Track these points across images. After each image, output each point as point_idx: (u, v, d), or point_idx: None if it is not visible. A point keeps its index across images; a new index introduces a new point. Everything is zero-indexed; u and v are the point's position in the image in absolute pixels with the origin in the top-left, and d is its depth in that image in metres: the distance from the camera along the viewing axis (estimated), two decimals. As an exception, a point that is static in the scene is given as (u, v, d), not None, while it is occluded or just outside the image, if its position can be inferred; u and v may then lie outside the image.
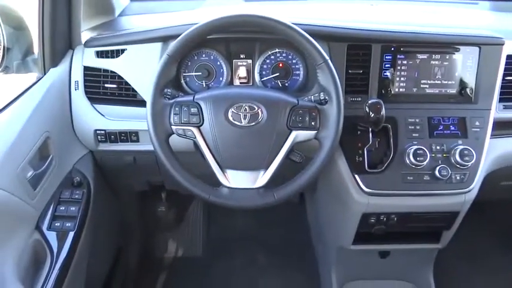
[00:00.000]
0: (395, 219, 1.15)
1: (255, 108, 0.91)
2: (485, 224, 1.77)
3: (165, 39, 1.08)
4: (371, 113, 0.99)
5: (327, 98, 0.94)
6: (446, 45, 1.09)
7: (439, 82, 1.11)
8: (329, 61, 0.93)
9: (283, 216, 1.74)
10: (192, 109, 0.92)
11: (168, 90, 0.96)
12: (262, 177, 0.92)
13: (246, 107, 0.91)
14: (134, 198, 1.55)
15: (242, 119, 0.91)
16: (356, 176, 1.08)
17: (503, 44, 1.09)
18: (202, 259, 1.65)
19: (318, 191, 1.43)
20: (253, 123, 0.91)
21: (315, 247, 1.63)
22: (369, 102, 1.00)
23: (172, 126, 0.92)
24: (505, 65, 1.13)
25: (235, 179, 0.92)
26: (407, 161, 1.06)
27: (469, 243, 1.61)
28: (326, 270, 1.44)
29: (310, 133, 0.93)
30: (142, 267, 1.59)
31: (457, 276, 1.56)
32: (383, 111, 0.99)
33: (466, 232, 1.71)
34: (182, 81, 1.13)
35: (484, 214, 1.79)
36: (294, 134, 0.92)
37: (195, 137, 0.92)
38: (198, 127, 0.92)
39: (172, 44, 0.93)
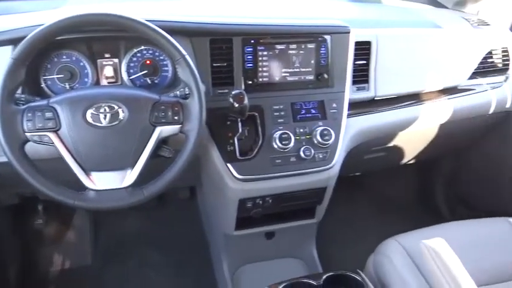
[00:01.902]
0: (270, 201, 1.22)
1: (114, 108, 0.91)
2: (363, 193, 1.96)
3: (14, 42, 1.01)
4: (235, 103, 1.04)
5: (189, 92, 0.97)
6: (300, 36, 1.18)
7: (297, 70, 1.20)
8: (186, 56, 0.95)
9: (175, 212, 1.75)
10: (46, 114, 0.88)
11: (22, 95, 0.91)
12: (130, 176, 0.92)
13: (105, 107, 0.90)
14: (3, 213, 1.44)
15: (102, 120, 0.90)
16: (228, 164, 1.12)
17: (349, 32, 1.21)
18: (92, 267, 1.60)
19: (203, 184, 1.46)
20: (115, 123, 0.90)
21: (208, 239, 1.67)
22: (232, 93, 1.05)
23: (26, 133, 0.87)
24: (355, 50, 1.26)
25: (101, 181, 0.90)
26: (275, 146, 1.13)
27: (347, 213, 1.77)
28: (217, 260, 1.49)
29: (174, 128, 0.95)
30: (26, 284, 1.49)
31: (338, 244, 1.71)
32: (246, 101, 1.04)
33: (345, 202, 1.88)
34: (43, 85, 1.08)
35: (361, 184, 1.99)
36: (158, 129, 0.93)
37: (53, 143, 0.88)
38: (56, 131, 0.88)
39: (18, 47, 0.88)
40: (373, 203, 1.93)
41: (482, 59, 1.47)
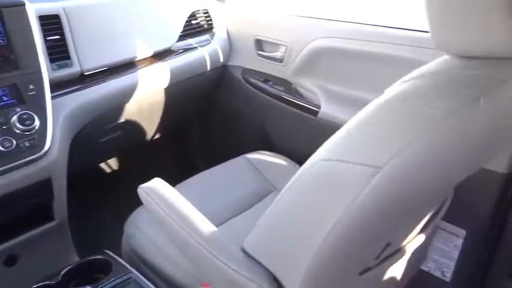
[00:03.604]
0: (-24, 213, 1.01)
1: None
2: (128, 175, 1.84)
3: None
4: None
5: None
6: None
7: (-30, 54, 1.01)
8: None
9: None
10: None
11: None
12: None
13: None
14: None
15: None
16: None
17: (23, 5, 1.08)
18: None
19: None
20: None
21: None
22: None
23: None
24: (43, 25, 1.15)
25: None
26: None
27: (114, 200, 1.64)
28: None
29: None
30: None
31: (110, 236, 1.56)
32: None
33: (108, 190, 1.75)
34: None
35: (121, 168, 1.87)
36: None
37: None
38: None
39: None
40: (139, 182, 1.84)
41: (187, 22, 1.54)
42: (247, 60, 1.63)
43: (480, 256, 1.18)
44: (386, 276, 0.79)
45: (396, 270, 0.83)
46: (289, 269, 0.66)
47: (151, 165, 1.79)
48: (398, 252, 0.76)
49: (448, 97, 0.50)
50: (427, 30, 0.59)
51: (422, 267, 1.27)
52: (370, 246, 0.63)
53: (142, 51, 1.38)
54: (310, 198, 0.61)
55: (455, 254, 1.20)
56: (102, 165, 1.80)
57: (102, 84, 1.26)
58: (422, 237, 0.83)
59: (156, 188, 0.86)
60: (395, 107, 0.54)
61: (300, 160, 1.37)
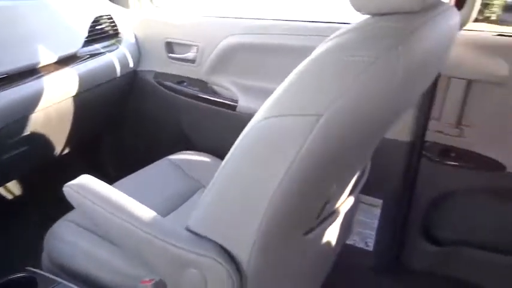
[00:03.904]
0: None
1: None
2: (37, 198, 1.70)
3: None
4: None
5: None
6: None
7: None
8: None
9: None
10: None
11: None
12: None
13: None
14: None
15: None
16: None
17: None
18: None
19: None
20: None
21: None
22: None
23: None
24: None
25: None
26: None
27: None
28: None
29: None
30: None
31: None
32: None
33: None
34: None
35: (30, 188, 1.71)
36: None
37: None
38: None
39: None
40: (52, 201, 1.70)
41: (91, 27, 1.48)
42: (159, 63, 1.61)
43: (395, 221, 1.30)
44: (325, 239, 0.84)
45: (332, 234, 0.87)
46: (237, 237, 0.66)
47: (64, 181, 1.66)
48: (334, 213, 0.81)
49: (369, 47, 0.56)
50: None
51: (348, 242, 1.35)
52: (313, 203, 0.67)
53: (44, 57, 1.29)
54: (254, 158, 0.63)
55: (376, 223, 1.30)
56: (8, 185, 1.64)
57: (0, 94, 1.15)
58: (350, 201, 0.89)
59: (85, 183, 0.81)
60: (324, 60, 0.59)
61: (223, 155, 1.38)
